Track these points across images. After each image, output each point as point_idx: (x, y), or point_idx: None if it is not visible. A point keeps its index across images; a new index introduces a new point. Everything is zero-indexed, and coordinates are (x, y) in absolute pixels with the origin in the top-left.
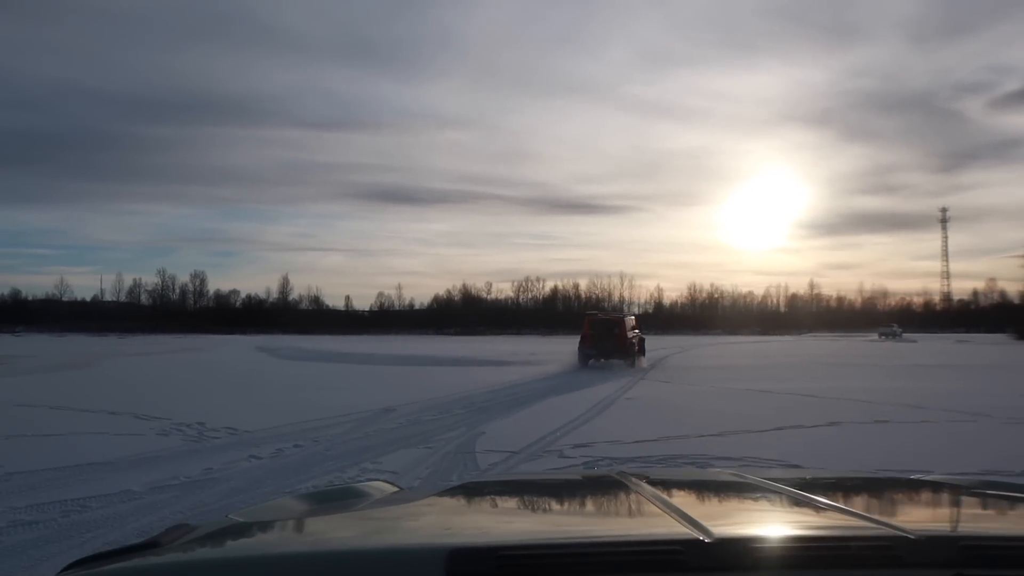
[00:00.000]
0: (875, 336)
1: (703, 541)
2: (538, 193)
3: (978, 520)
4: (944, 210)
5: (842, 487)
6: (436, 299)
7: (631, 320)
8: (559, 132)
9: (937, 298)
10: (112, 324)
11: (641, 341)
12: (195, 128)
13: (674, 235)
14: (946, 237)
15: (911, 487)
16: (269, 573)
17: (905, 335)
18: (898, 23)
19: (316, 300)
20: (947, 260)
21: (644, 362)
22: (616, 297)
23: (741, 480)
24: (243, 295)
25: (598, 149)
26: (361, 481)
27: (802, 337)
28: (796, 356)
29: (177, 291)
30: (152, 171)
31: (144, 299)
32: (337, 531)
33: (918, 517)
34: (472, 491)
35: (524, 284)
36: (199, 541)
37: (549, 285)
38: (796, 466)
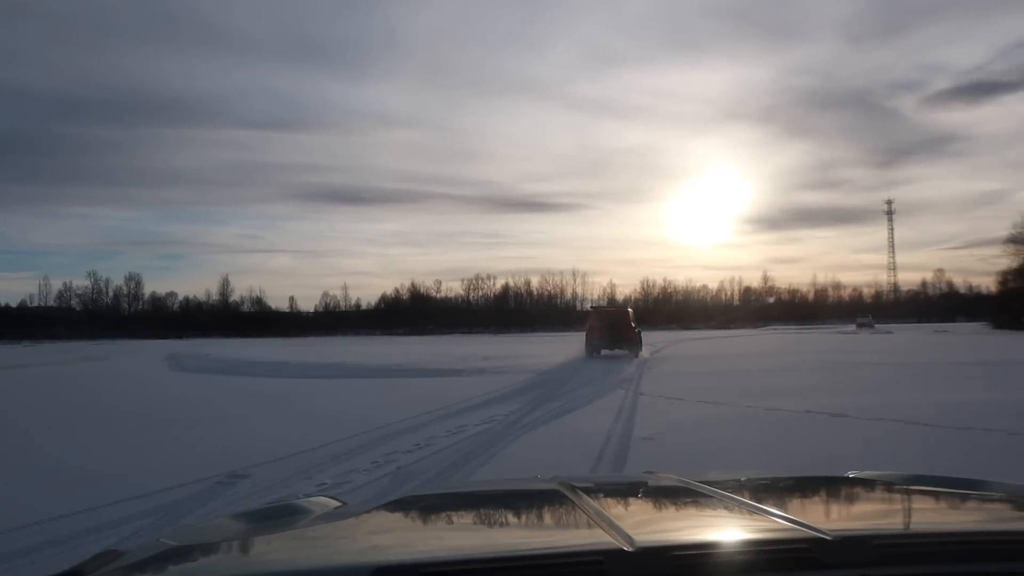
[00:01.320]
0: (850, 328)
1: (625, 551)
2: (487, 192)
3: (898, 517)
4: (890, 202)
5: (775, 489)
6: (384, 299)
7: (631, 312)
8: (507, 131)
9: (885, 289)
10: (37, 330)
11: (639, 333)
12: (139, 129)
13: (623, 232)
14: (892, 229)
15: (841, 487)
16: None
17: (877, 326)
18: (836, 23)
19: (259, 302)
20: (893, 252)
21: (645, 352)
22: (569, 294)
23: (679, 485)
24: (181, 298)
25: (545, 147)
26: (304, 497)
27: (764, 331)
28: (792, 354)
29: (111, 295)
30: (95, 173)
31: (75, 304)
32: (266, 552)
33: (840, 517)
34: (409, 505)
35: (474, 282)
36: (126, 569)
37: (500, 283)
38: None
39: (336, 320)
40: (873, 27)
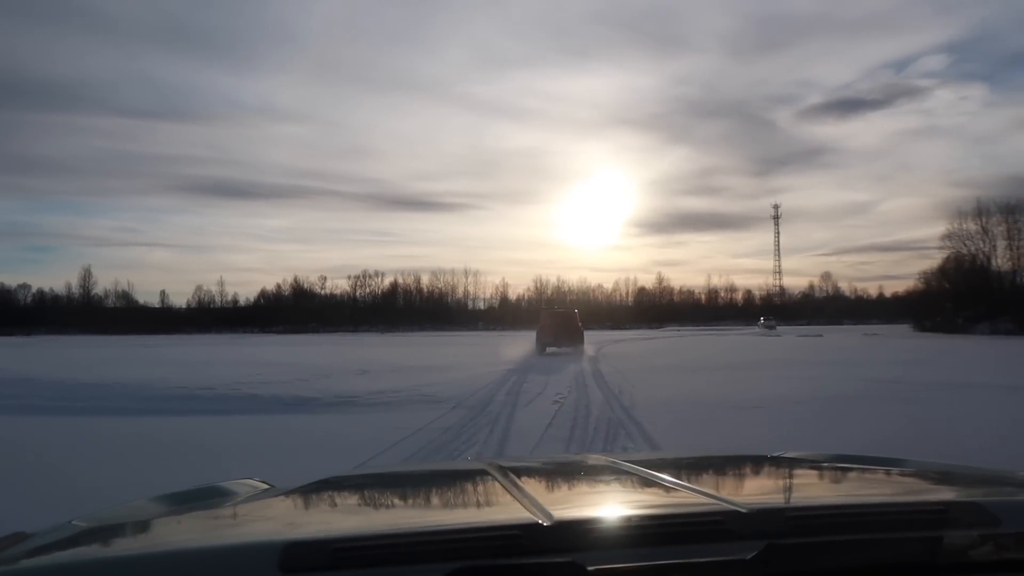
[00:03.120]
0: (755, 330)
1: (542, 525)
2: (376, 189)
3: (814, 491)
4: (776, 206)
5: (699, 467)
6: (263, 294)
7: (578, 313)
8: (397, 129)
9: (771, 292)
10: None
11: (583, 333)
12: None
13: (513, 232)
14: (778, 233)
15: (763, 465)
16: None
17: (807, 329)
18: (719, 37)
19: (125, 296)
20: (779, 256)
21: (590, 350)
22: (461, 292)
23: (605, 464)
24: (35, 290)
25: (436, 147)
26: (229, 480)
27: (667, 331)
28: (800, 368)
29: None
30: None
31: None
32: (180, 531)
33: (755, 492)
34: (335, 486)
35: (361, 278)
36: (34, 550)
37: (388, 280)
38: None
39: (211, 317)
40: (752, 43)
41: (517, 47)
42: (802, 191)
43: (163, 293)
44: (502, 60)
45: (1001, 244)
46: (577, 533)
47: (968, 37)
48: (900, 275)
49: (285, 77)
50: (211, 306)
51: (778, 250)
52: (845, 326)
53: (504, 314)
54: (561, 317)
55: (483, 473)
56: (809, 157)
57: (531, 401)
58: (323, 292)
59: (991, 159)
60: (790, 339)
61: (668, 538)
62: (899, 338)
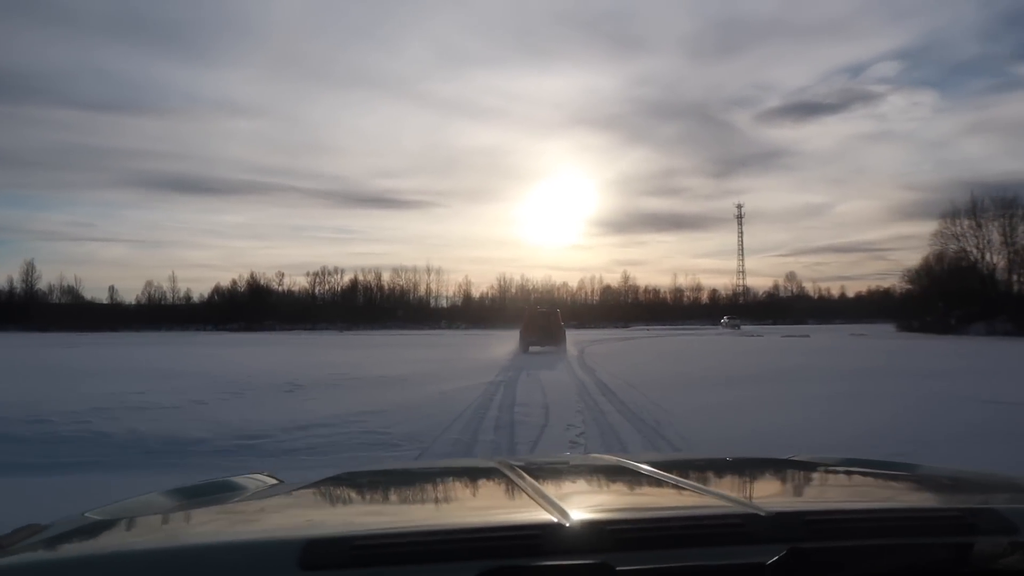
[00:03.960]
0: (719, 329)
1: (561, 525)
2: (337, 186)
3: (830, 495)
4: (740, 206)
5: (714, 469)
6: (218, 290)
7: (560, 313)
8: (358, 125)
9: (734, 291)
10: None
11: (564, 332)
12: None
13: (475, 230)
14: (742, 233)
15: (773, 467)
16: (117, 571)
17: (788, 329)
18: (679, 39)
19: (70, 291)
20: (743, 256)
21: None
22: (423, 290)
23: (618, 465)
24: None
25: (397, 144)
26: (239, 474)
27: (635, 331)
28: (757, 363)
29: None
30: None
31: None
32: (196, 526)
33: (773, 495)
34: (347, 482)
35: (321, 275)
36: (48, 541)
37: (348, 277)
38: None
39: (162, 314)
40: (712, 45)
41: (479, 46)
42: (760, 193)
43: (112, 289)
44: (464, 58)
45: (997, 239)
46: (600, 534)
47: (919, 45)
48: (855, 276)
49: (245, 71)
50: (162, 303)
51: (742, 250)
52: (812, 325)
53: (468, 312)
54: (544, 317)
55: (496, 471)
56: (767, 159)
57: (536, 440)
58: (281, 289)
59: (941, 163)
60: (775, 340)
61: (689, 540)
62: (897, 339)
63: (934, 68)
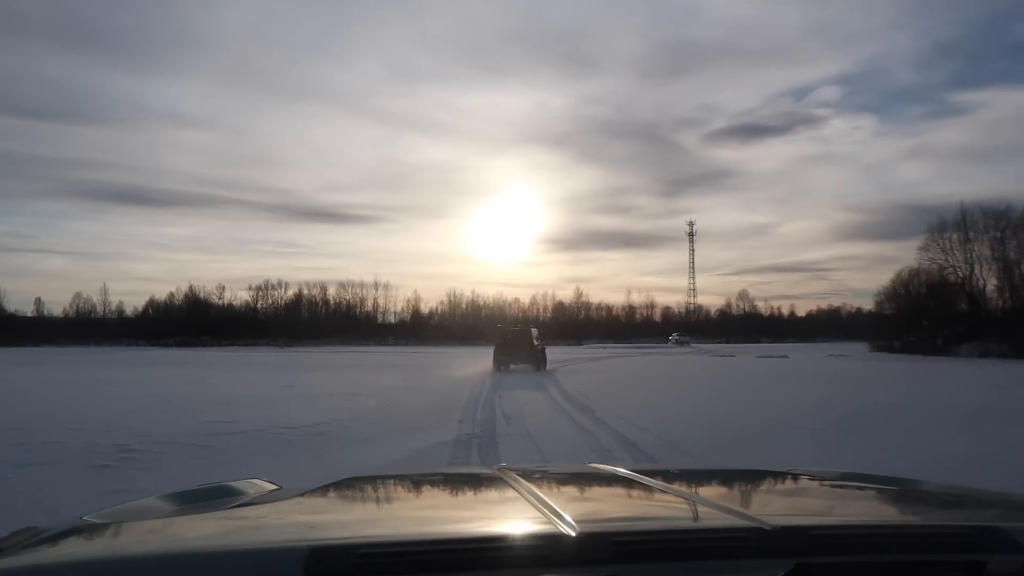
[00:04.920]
0: (670, 346)
1: (567, 536)
2: (284, 200)
3: (833, 510)
4: (692, 223)
5: (716, 481)
6: (152, 304)
7: (535, 331)
8: (306, 139)
9: (686, 309)
10: None
11: (543, 350)
12: None
13: (424, 246)
14: (693, 251)
15: (775, 480)
16: (116, 575)
17: (760, 348)
18: (629, 60)
19: None
20: (694, 274)
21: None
22: (370, 305)
23: (621, 475)
24: None
25: (346, 158)
26: (237, 479)
27: (593, 347)
28: (762, 394)
29: None
30: None
31: None
32: (197, 531)
33: (776, 508)
34: (348, 488)
35: (263, 289)
36: (46, 544)
37: (293, 291)
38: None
39: (92, 327)
40: (661, 67)
41: (430, 62)
42: (707, 212)
43: (39, 301)
44: (415, 74)
45: (986, 255)
46: (606, 546)
47: (860, 71)
48: (798, 295)
49: (192, 83)
50: (91, 316)
51: (693, 268)
52: (768, 344)
53: (417, 328)
54: (517, 335)
55: (499, 480)
56: (714, 179)
57: None
58: (221, 303)
59: (880, 186)
60: (751, 360)
61: (695, 553)
62: (896, 362)
63: (874, 94)
